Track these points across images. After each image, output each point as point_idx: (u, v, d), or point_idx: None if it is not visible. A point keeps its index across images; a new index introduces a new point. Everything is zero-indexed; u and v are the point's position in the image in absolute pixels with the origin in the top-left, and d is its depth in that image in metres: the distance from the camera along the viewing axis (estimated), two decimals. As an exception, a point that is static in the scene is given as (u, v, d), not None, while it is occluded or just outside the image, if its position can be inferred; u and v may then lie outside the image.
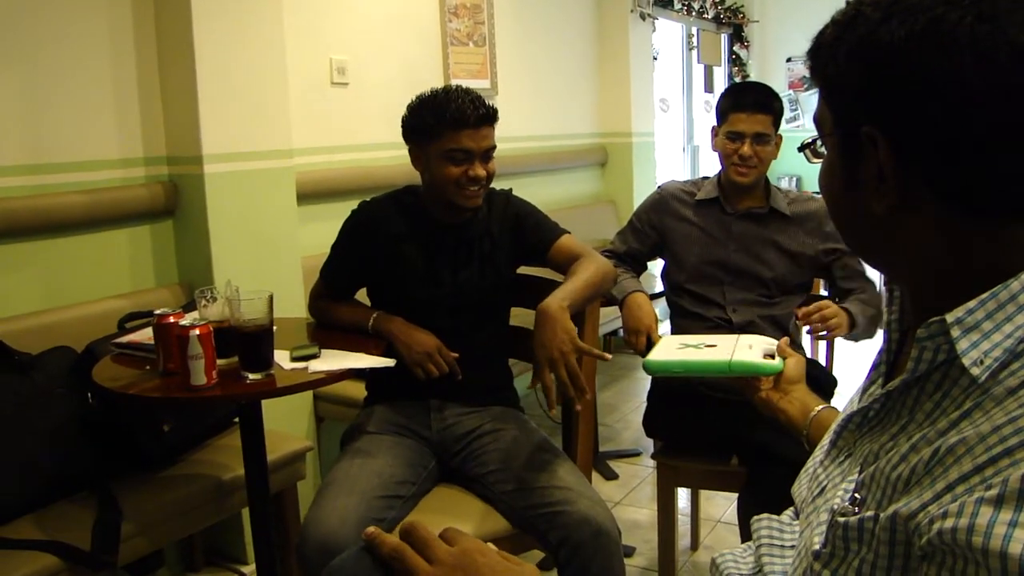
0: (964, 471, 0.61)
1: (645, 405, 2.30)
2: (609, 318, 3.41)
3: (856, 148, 0.71)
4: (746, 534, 1.98)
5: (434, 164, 1.91)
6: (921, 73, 0.64)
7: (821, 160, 0.80)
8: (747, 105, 2.23)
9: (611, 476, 3.27)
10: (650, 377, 1.99)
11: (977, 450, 0.61)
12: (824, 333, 2.09)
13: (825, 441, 0.87)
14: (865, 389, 0.82)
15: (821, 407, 1.23)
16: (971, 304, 0.66)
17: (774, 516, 0.92)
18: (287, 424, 2.62)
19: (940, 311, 0.68)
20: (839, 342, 2.44)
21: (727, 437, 2.09)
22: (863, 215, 0.73)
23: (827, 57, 0.72)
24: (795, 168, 6.74)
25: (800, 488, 0.89)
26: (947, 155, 0.66)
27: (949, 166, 0.66)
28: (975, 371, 0.65)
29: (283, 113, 2.64)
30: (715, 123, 2.34)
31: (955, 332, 0.66)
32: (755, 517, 0.92)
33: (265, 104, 2.58)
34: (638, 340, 2.15)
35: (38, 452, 1.89)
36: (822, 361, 2.46)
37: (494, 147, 1.93)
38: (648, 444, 3.48)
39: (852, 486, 0.73)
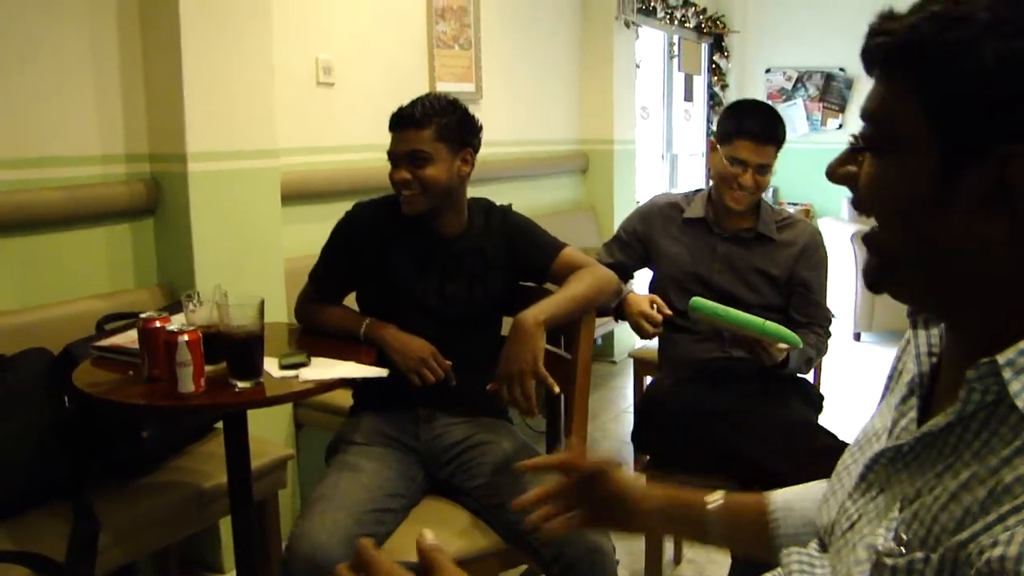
0: (1017, 503, 0.59)
1: (629, 416, 2.29)
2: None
3: (965, 161, 0.65)
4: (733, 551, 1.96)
5: None
6: None
7: (860, 163, 0.74)
8: (755, 134, 2.15)
9: (591, 486, 3.24)
10: (631, 391, 1.98)
11: None
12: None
13: (852, 469, 0.84)
14: (895, 422, 0.80)
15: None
16: (1022, 345, 0.64)
17: (803, 549, 0.89)
18: (266, 430, 2.56)
19: (990, 350, 0.65)
20: (826, 361, 2.48)
21: (717, 452, 2.08)
22: (947, 235, 0.68)
23: (940, 57, 0.66)
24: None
25: (825, 518, 0.87)
26: None
27: None
28: None
29: (269, 112, 2.58)
30: (713, 137, 2.29)
31: (1007, 374, 0.64)
32: (785, 550, 0.89)
33: (251, 103, 2.52)
34: (650, 318, 2.14)
35: (11, 458, 1.82)
36: (809, 378, 2.46)
37: (423, 151, 1.85)
38: (628, 454, 3.47)
39: (893, 524, 0.71)
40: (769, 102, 6.82)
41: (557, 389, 1.81)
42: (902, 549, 0.68)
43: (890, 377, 0.91)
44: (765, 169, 2.18)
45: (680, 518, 1.08)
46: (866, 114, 0.73)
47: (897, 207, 0.70)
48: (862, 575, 0.71)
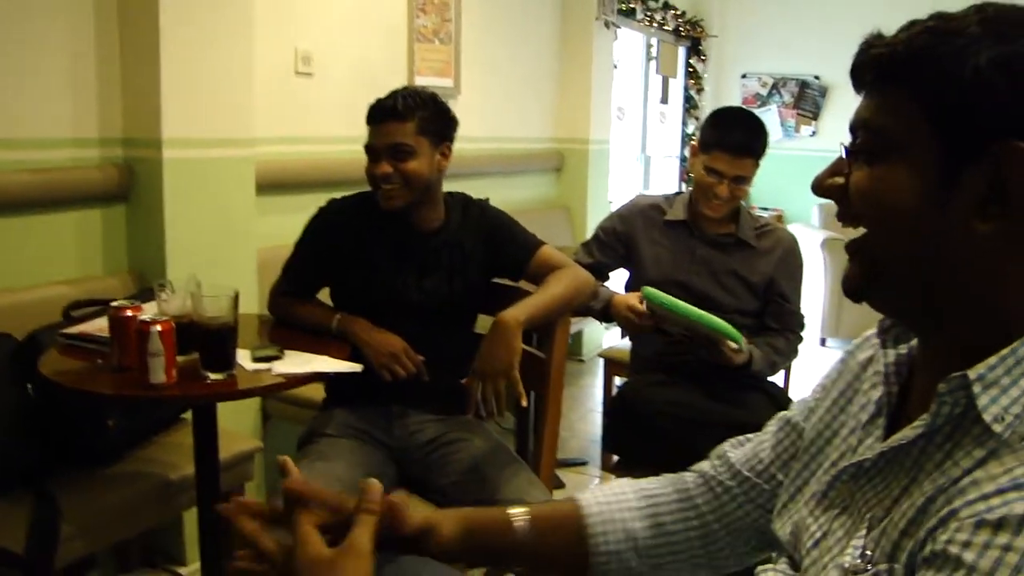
0: (969, 499, 0.62)
1: (597, 415, 2.30)
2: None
3: (964, 161, 0.67)
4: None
5: None
6: None
7: (850, 168, 0.74)
8: (732, 147, 2.17)
9: (558, 485, 3.25)
10: (599, 390, 1.99)
11: (985, 485, 0.62)
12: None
13: (813, 484, 0.84)
14: (861, 441, 0.80)
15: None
16: (992, 360, 0.66)
17: (777, 567, 0.89)
18: (233, 421, 2.53)
19: (962, 366, 0.67)
20: (793, 366, 2.52)
21: (687, 454, 2.09)
22: (943, 239, 0.68)
23: (938, 63, 0.68)
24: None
25: (785, 532, 0.86)
26: None
27: None
28: (997, 428, 0.64)
29: (247, 100, 2.55)
30: (695, 141, 2.31)
31: (976, 388, 0.66)
32: (761, 567, 0.89)
33: (229, 90, 2.48)
34: (636, 312, 2.15)
35: (-28, 445, 1.79)
36: (780, 382, 2.49)
37: (405, 145, 1.84)
38: (595, 453, 3.48)
39: (860, 542, 0.72)
40: (745, 107, 6.96)
41: (525, 402, 1.80)
42: (868, 566, 0.69)
43: (828, 378, 0.91)
44: (741, 180, 2.20)
45: (485, 542, 0.96)
46: (860, 123, 0.74)
47: (894, 212, 0.70)
48: None
